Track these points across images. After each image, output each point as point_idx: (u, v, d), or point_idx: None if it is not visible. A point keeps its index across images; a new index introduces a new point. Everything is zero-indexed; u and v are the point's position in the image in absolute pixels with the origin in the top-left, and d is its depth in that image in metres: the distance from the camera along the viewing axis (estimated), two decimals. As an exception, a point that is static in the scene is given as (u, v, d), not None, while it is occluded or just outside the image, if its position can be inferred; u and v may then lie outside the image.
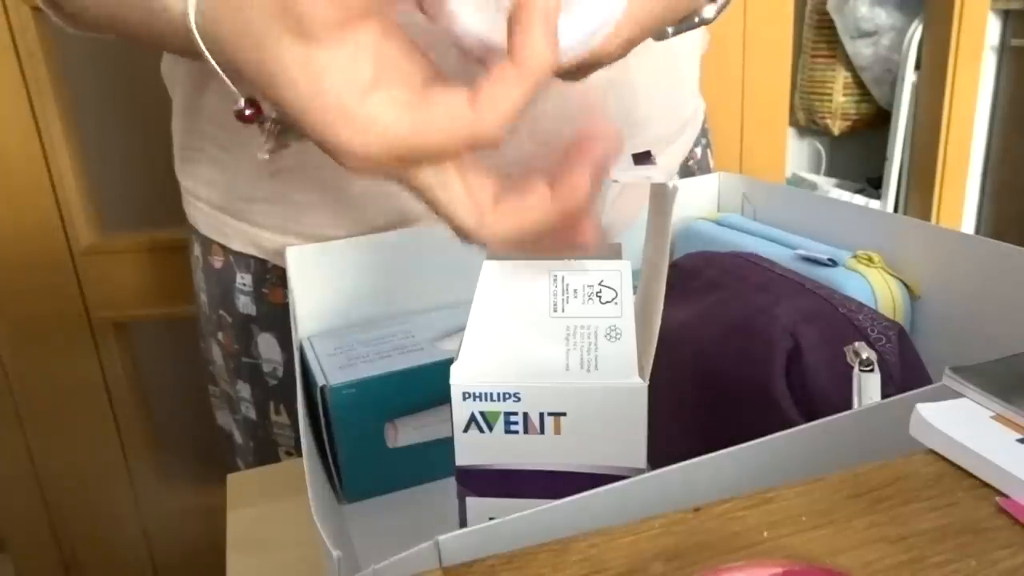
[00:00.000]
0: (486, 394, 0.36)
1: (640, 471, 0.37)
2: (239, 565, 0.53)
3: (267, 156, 0.39)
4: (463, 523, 0.39)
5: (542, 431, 0.37)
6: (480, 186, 0.32)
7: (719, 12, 0.50)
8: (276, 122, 0.38)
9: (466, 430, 0.37)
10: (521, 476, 0.38)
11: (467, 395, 0.37)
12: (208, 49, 0.34)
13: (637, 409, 0.36)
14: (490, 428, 0.37)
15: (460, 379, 0.37)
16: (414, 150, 0.30)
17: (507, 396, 0.36)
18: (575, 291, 0.37)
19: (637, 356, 0.36)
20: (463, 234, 0.32)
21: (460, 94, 0.30)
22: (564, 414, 0.36)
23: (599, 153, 0.32)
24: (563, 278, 0.37)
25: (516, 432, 0.37)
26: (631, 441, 0.37)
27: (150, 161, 0.98)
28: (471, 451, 0.38)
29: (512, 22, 0.30)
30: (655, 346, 0.38)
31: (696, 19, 0.47)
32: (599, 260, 0.38)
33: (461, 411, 0.37)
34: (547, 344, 0.37)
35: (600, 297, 0.37)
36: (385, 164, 0.31)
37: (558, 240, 0.34)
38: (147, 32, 0.41)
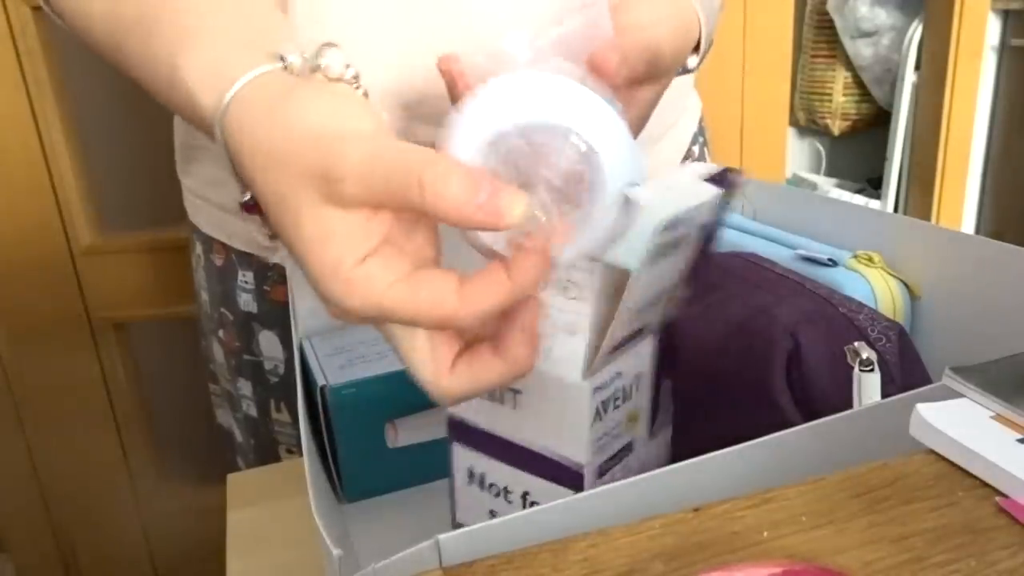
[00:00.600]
0: None
1: (580, 466, 0.39)
2: (239, 565, 0.53)
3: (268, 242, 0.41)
4: (449, 468, 0.43)
5: (503, 402, 0.40)
6: (442, 348, 0.34)
7: (700, 61, 0.52)
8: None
9: None
10: (490, 438, 0.41)
11: None
12: (227, 151, 0.36)
13: (579, 405, 0.38)
14: None
15: None
16: (393, 316, 0.32)
17: None
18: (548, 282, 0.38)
19: (587, 356, 0.37)
20: (418, 383, 0.35)
21: (450, 281, 0.32)
22: (520, 392, 0.39)
23: (534, 318, 0.34)
24: None
25: (485, 398, 0.40)
26: (574, 434, 0.38)
27: (150, 161, 0.98)
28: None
29: (518, 245, 0.32)
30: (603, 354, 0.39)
31: (680, 70, 0.49)
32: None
33: None
34: None
35: (566, 292, 0.38)
36: (363, 318, 0.33)
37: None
38: (153, 90, 0.42)
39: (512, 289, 0.32)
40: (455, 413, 0.42)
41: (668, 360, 0.44)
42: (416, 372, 0.34)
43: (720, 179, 0.39)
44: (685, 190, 0.38)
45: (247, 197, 0.37)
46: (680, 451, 0.47)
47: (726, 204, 0.40)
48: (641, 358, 0.42)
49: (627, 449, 0.43)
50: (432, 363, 0.34)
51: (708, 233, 0.40)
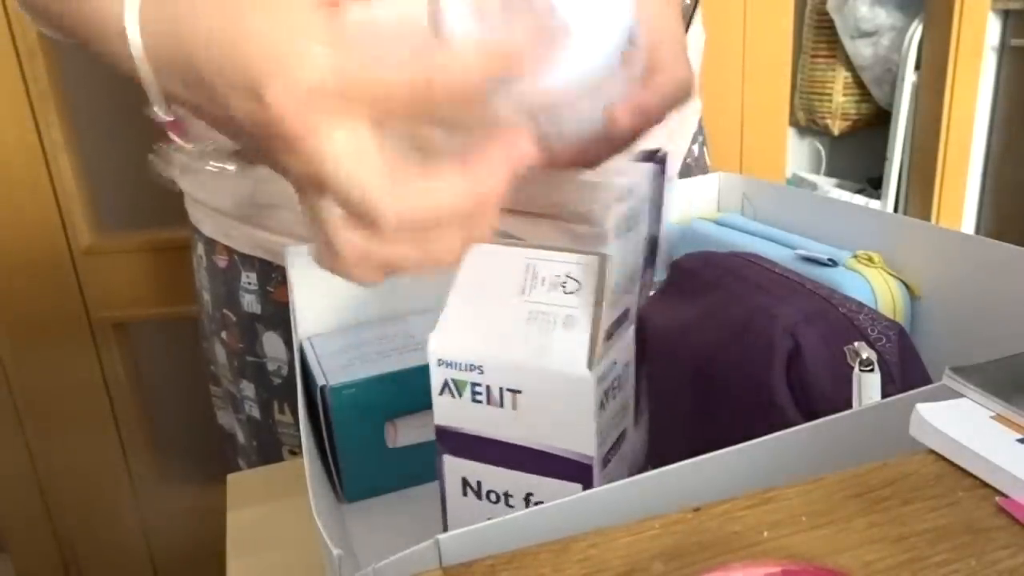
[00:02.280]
0: (456, 363, 0.40)
1: (589, 458, 0.39)
2: (239, 565, 0.53)
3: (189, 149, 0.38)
4: (440, 480, 0.43)
5: (501, 404, 0.40)
6: (392, 160, 0.30)
7: None
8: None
9: (440, 393, 0.41)
10: (487, 443, 0.41)
11: (441, 362, 0.40)
12: (145, 47, 0.33)
13: (584, 398, 0.38)
14: (459, 394, 0.40)
15: (435, 346, 0.40)
16: (363, 86, 0.29)
17: (472, 367, 0.39)
18: (543, 279, 0.39)
19: (588, 348, 0.38)
20: (361, 206, 0.30)
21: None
22: (520, 392, 0.39)
23: (516, 146, 0.31)
24: (534, 265, 0.40)
25: (480, 402, 0.40)
26: (580, 427, 0.39)
27: (150, 161, 0.98)
28: (446, 413, 0.41)
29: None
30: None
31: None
32: (573, 253, 0.40)
33: (436, 375, 0.40)
34: (511, 324, 0.39)
35: (564, 287, 0.39)
36: (323, 100, 0.29)
37: (458, 231, 0.32)
38: (79, 29, 0.38)
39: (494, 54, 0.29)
40: (442, 423, 0.42)
41: (640, 349, 0.45)
42: (360, 186, 0.30)
43: (649, 157, 0.41)
44: (628, 170, 0.39)
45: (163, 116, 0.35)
46: (680, 451, 0.47)
47: (661, 179, 0.41)
48: (627, 347, 0.42)
49: (623, 438, 0.43)
50: (382, 169, 0.30)
51: (655, 208, 0.42)
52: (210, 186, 0.66)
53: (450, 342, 0.40)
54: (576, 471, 0.39)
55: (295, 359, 0.50)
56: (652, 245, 0.43)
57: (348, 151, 0.30)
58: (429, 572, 0.28)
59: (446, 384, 0.40)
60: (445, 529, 0.45)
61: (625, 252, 0.39)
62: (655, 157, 0.40)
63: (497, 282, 0.40)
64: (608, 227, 0.36)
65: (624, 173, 0.38)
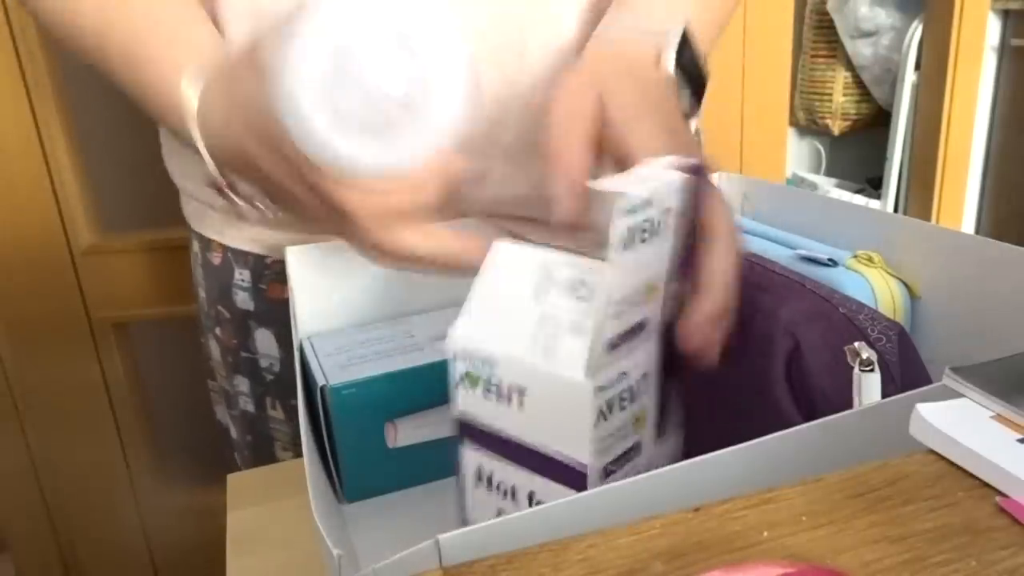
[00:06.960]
0: (472, 356, 0.41)
1: (583, 466, 0.39)
2: (239, 565, 0.53)
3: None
4: (457, 470, 0.43)
5: (510, 401, 0.40)
6: None
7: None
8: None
9: (457, 385, 0.42)
10: (499, 439, 0.41)
11: (458, 354, 0.41)
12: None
13: (581, 404, 0.38)
14: (474, 387, 0.41)
15: (454, 338, 0.41)
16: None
17: (486, 362, 0.40)
18: (558, 283, 0.40)
19: (589, 356, 0.38)
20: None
21: None
22: (526, 390, 0.39)
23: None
24: (551, 269, 0.40)
25: (492, 396, 0.41)
26: (576, 434, 0.39)
27: (150, 161, 0.98)
28: (464, 403, 0.42)
29: None
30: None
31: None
32: (592, 260, 0.40)
33: (455, 367, 0.41)
34: (523, 325, 0.40)
35: (577, 293, 0.39)
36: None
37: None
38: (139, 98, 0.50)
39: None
40: (464, 413, 0.42)
41: (674, 362, 0.44)
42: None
43: (689, 170, 0.40)
44: (653, 178, 0.39)
45: (222, 181, 0.47)
46: (680, 451, 0.47)
47: (695, 190, 0.41)
48: (647, 357, 0.42)
49: (635, 450, 0.43)
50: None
51: (686, 222, 0.41)
52: (201, 180, 0.66)
53: (468, 335, 0.41)
54: (571, 477, 0.39)
55: (295, 359, 0.50)
56: (684, 256, 0.42)
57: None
58: (429, 572, 0.28)
59: (462, 376, 0.41)
60: (463, 520, 0.45)
61: (638, 264, 0.39)
62: (688, 167, 0.40)
63: (515, 282, 0.41)
64: (612, 237, 0.36)
65: (646, 182, 0.37)
